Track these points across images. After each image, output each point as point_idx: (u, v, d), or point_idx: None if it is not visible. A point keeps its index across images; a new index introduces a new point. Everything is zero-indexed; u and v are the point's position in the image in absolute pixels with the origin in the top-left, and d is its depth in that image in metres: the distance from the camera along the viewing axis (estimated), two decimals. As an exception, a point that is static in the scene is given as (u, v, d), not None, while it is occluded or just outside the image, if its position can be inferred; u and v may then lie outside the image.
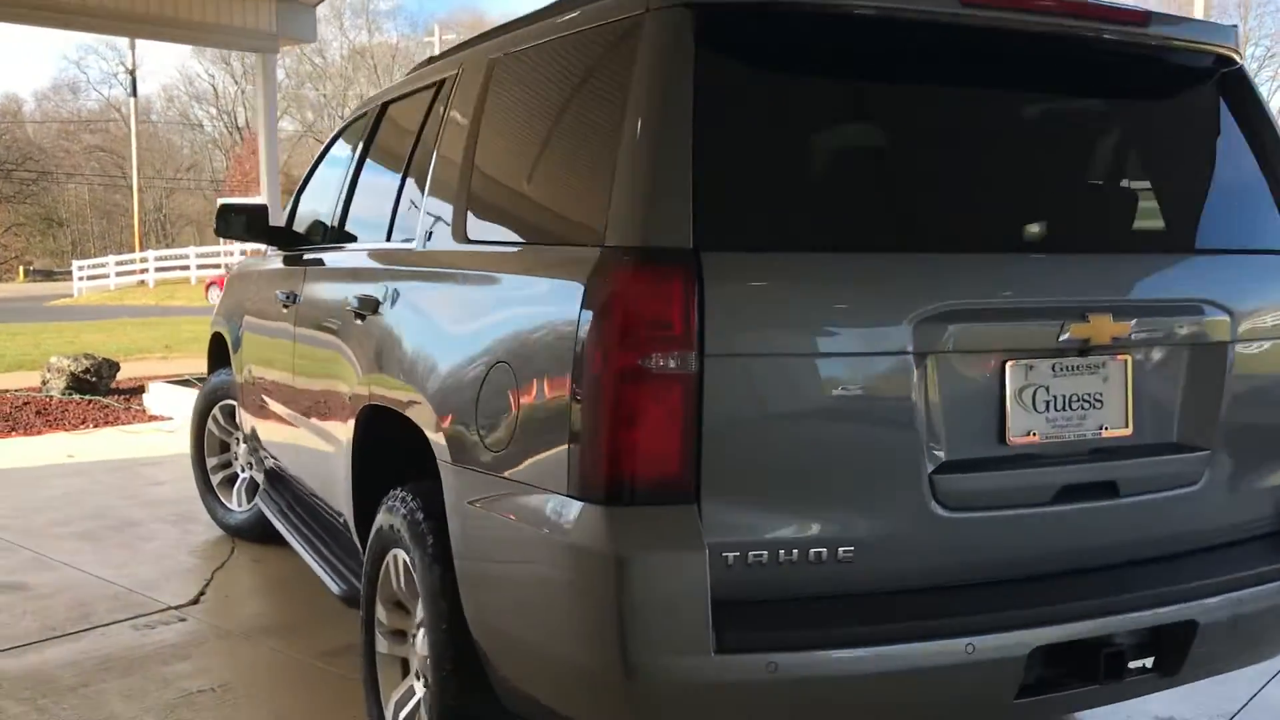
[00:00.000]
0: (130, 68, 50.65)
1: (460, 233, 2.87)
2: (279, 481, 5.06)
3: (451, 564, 2.67)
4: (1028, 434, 2.39)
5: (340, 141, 4.57)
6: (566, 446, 2.17)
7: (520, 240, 2.69)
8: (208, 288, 32.67)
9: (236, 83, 68.05)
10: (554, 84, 2.70)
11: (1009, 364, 2.37)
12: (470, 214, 2.86)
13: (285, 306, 4.21)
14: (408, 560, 2.87)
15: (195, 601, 4.66)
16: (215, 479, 5.73)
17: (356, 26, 68.84)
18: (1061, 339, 2.38)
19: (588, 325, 2.13)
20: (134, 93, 53.33)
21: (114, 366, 10.44)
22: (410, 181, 3.39)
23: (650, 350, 2.09)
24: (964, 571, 2.36)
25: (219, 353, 5.71)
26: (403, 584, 2.96)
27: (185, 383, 9.76)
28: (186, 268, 40.42)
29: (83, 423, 9.08)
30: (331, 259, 3.97)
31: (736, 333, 2.15)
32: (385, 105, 3.94)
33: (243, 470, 5.65)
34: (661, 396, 2.09)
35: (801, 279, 2.23)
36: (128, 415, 9.39)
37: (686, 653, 2.07)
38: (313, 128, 67.17)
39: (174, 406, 9.24)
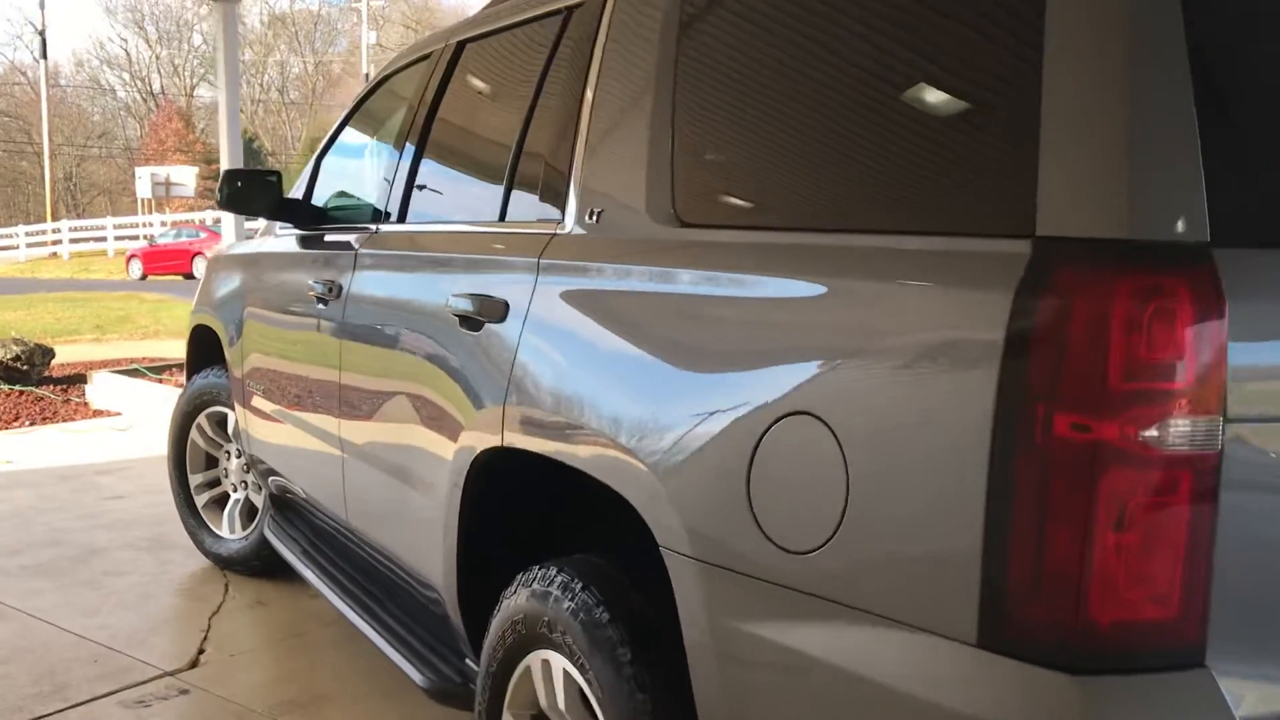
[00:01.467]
0: (40, 28, 48.11)
1: (665, 211, 2.01)
2: (291, 510, 4.15)
3: (664, 694, 1.85)
4: None
5: (384, 95, 3.65)
6: (967, 561, 1.35)
7: (814, 224, 1.75)
8: (129, 260, 31.08)
9: (151, 48, 65.87)
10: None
11: None
12: (682, 184, 2.00)
13: (323, 300, 3.31)
14: (575, 673, 2.03)
15: (194, 664, 3.74)
16: (200, 499, 4.79)
17: (278, -9, 66.62)
18: None
19: (1019, 368, 1.30)
20: (44, 55, 50.79)
21: (48, 353, 9.29)
22: (536, 141, 2.52)
23: (1147, 414, 1.26)
24: None
25: (203, 349, 4.77)
26: (562, 703, 2.12)
27: (134, 372, 8.71)
28: (103, 239, 38.61)
29: (16, 419, 7.98)
30: (398, 243, 3.07)
31: (1267, 382, 1.33)
32: (462, 45, 3.05)
33: (235, 490, 4.72)
34: (1161, 491, 1.27)
35: None
36: (68, 410, 8.30)
37: None
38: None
39: (123, 400, 8.20)
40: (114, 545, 5.01)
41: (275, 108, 65.94)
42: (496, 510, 2.46)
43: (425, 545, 2.67)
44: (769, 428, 1.60)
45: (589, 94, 2.29)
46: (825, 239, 1.67)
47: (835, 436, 1.51)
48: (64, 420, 7.98)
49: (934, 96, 1.60)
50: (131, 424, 7.76)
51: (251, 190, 3.79)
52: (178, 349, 11.75)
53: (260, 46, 65.66)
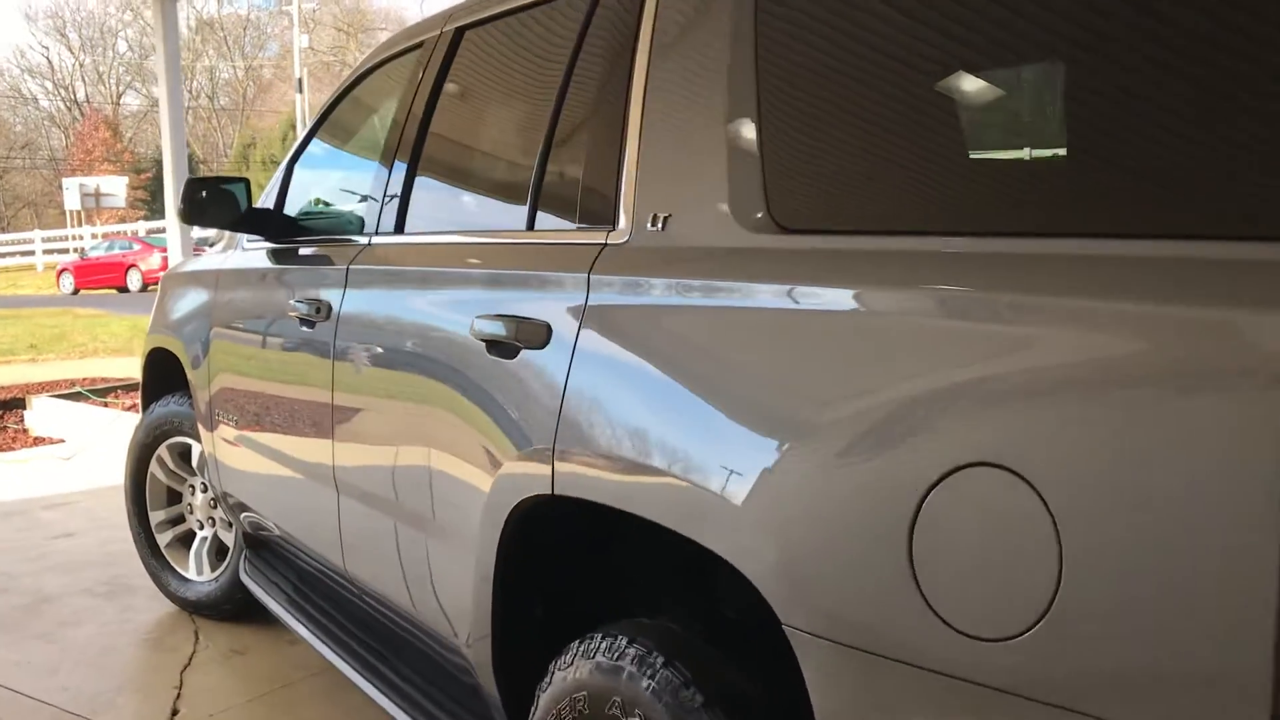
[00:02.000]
0: (-42, 38, 46.62)
1: (754, 214, 1.69)
2: (269, 550, 3.78)
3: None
4: None
5: (366, 92, 3.30)
6: (1248, 677, 1.04)
7: (985, 228, 1.42)
8: (59, 275, 30.13)
9: (74, 55, 64.41)
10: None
11: None
12: (778, 181, 1.68)
13: (308, 322, 2.95)
14: (657, 763, 1.71)
15: (170, 728, 3.37)
16: (163, 538, 4.40)
17: (205, -4, 65.29)
18: None
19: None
20: (-37, 65, 49.20)
21: (-18, 377, 8.78)
22: (569, 136, 2.19)
23: None
24: None
25: (161, 373, 4.37)
26: (640, 796, 1.79)
27: (75, 395, 8.22)
28: (31, 253, 37.51)
29: (-50, 449, 7.49)
30: (397, 257, 2.72)
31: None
32: (462, 30, 2.70)
33: (202, 527, 4.33)
34: None
35: None
36: (6, 438, 7.80)
37: None
38: (158, 103, 63.72)
39: (65, 425, 7.72)
40: (68, 591, 4.59)
41: (205, 114, 64.60)
42: (538, 565, 2.13)
43: (447, 602, 2.33)
44: (937, 482, 1.29)
45: (638, 77, 1.97)
46: (1013, 245, 1.35)
47: (1038, 494, 1.20)
48: (2, 449, 7.48)
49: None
50: (75, 451, 7.30)
51: (216, 200, 3.41)
52: (118, 368, 11.26)
53: (189, 52, 64.26)
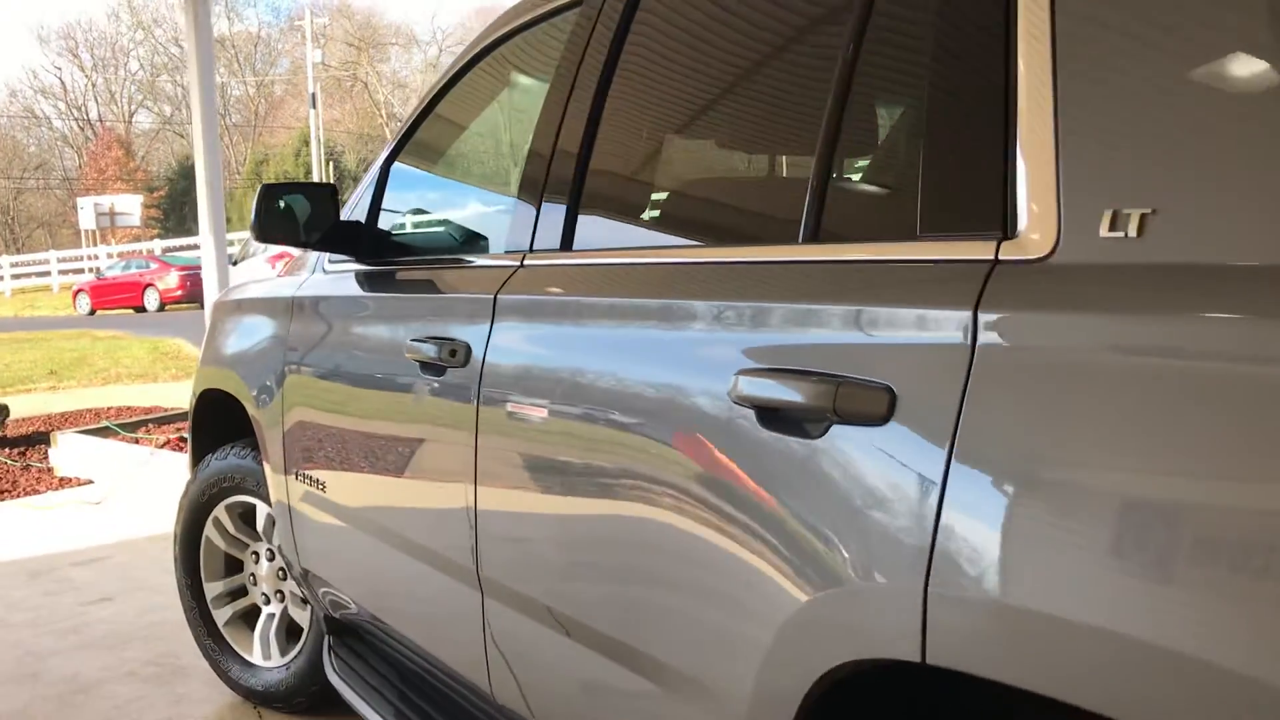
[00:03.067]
0: (-31, 58, 46.25)
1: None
2: (358, 638, 3.08)
3: None
4: None
5: (493, 69, 2.60)
6: None
7: None
8: (75, 295, 29.54)
9: (86, 75, 64.30)
10: None
11: None
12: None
13: (436, 368, 2.25)
14: None
15: None
16: (221, 614, 3.71)
17: (215, 14, 64.90)
18: None
19: None
20: (-25, 85, 48.87)
21: (2, 409, 8.11)
22: (887, 101, 1.49)
23: None
24: None
25: (216, 418, 3.69)
26: None
27: (103, 430, 7.53)
28: (47, 274, 36.97)
29: (-33, 493, 6.81)
30: (573, 282, 2.02)
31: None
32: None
33: (268, 602, 3.64)
34: None
35: None
36: (30, 479, 7.11)
37: None
38: (170, 121, 63.42)
39: (93, 464, 7.03)
40: (109, 675, 3.90)
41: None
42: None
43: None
44: None
45: (1023, 22, 1.27)
46: None
47: None
48: (26, 493, 6.80)
49: None
50: (105, 495, 6.61)
51: (299, 212, 2.73)
52: (143, 395, 10.59)
53: (200, 70, 63.88)
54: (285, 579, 3.56)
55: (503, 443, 2.04)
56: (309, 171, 46.26)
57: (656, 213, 2.08)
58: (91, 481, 6.94)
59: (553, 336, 1.98)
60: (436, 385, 2.26)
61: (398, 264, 2.70)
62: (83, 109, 64.92)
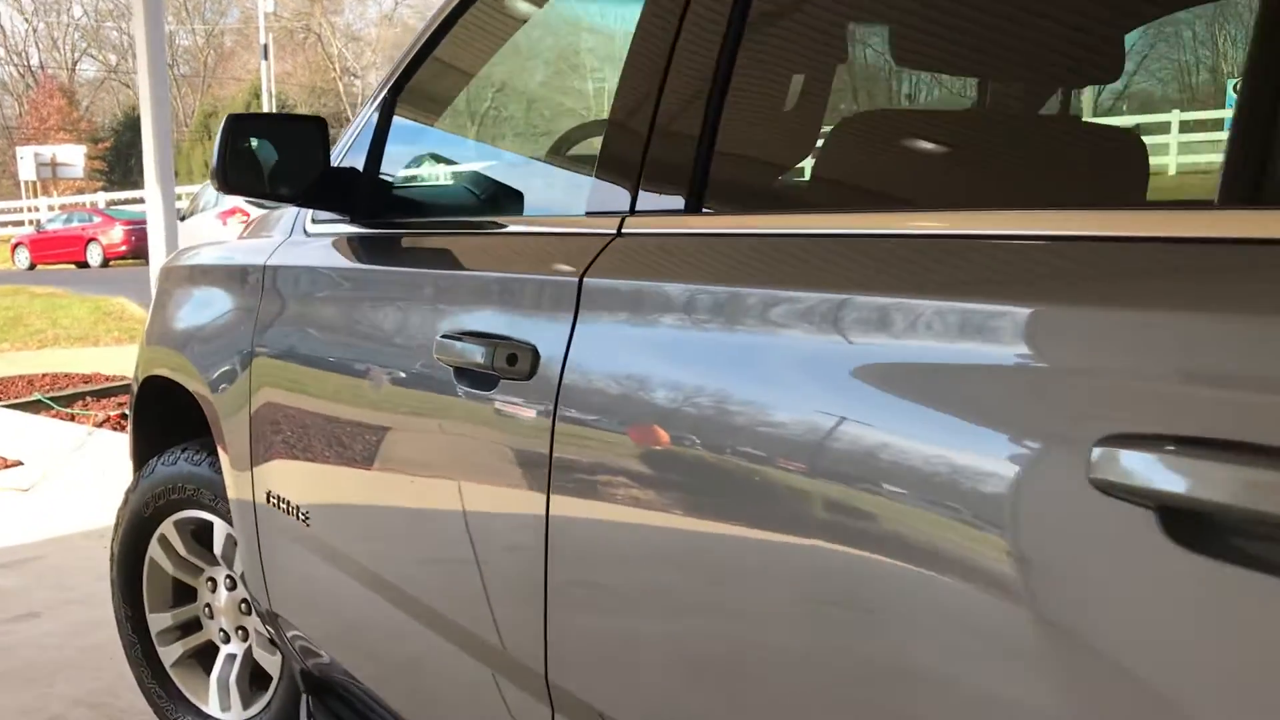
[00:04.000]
0: (-97, -1, 44.39)
1: None
2: (346, 704, 2.42)
3: None
4: None
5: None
6: None
7: None
8: (14, 249, 28.30)
9: (27, 20, 62.24)
10: None
11: None
12: None
13: (484, 378, 1.57)
14: None
15: None
16: (169, 654, 3.02)
17: (163, -42, 63.02)
18: None
19: None
20: (-91, 28, 47.01)
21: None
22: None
23: None
24: None
25: (162, 411, 3.01)
26: None
27: (35, 404, 6.75)
28: (-17, 226, 35.61)
29: (-126, 475, 6.00)
30: (720, 258, 1.34)
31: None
32: None
33: (227, 639, 2.95)
34: None
35: None
36: (-55, 460, 6.33)
37: None
38: (116, 70, 61.55)
39: (23, 443, 6.26)
40: (35, 717, 3.20)
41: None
42: None
43: None
44: None
45: None
46: None
47: None
48: (-56, 475, 6.02)
49: None
50: (36, 479, 5.85)
51: (277, 152, 2.03)
52: (83, 361, 9.75)
53: (146, 18, 62.08)
54: (249, 613, 2.88)
55: (594, 498, 1.38)
56: (260, 125, 44.82)
57: (847, 154, 1.40)
58: (20, 463, 6.16)
59: (683, 344, 1.31)
60: (483, 403, 1.58)
61: (411, 227, 2.01)
62: (23, 54, 63.03)
